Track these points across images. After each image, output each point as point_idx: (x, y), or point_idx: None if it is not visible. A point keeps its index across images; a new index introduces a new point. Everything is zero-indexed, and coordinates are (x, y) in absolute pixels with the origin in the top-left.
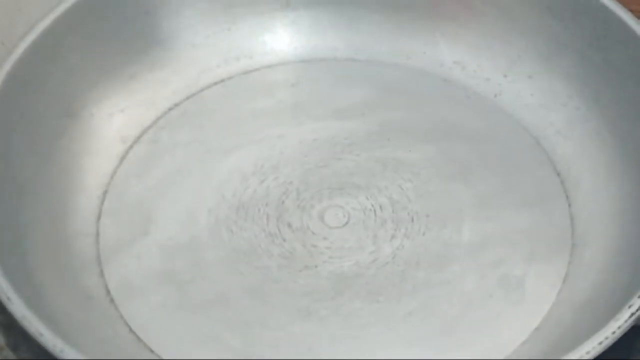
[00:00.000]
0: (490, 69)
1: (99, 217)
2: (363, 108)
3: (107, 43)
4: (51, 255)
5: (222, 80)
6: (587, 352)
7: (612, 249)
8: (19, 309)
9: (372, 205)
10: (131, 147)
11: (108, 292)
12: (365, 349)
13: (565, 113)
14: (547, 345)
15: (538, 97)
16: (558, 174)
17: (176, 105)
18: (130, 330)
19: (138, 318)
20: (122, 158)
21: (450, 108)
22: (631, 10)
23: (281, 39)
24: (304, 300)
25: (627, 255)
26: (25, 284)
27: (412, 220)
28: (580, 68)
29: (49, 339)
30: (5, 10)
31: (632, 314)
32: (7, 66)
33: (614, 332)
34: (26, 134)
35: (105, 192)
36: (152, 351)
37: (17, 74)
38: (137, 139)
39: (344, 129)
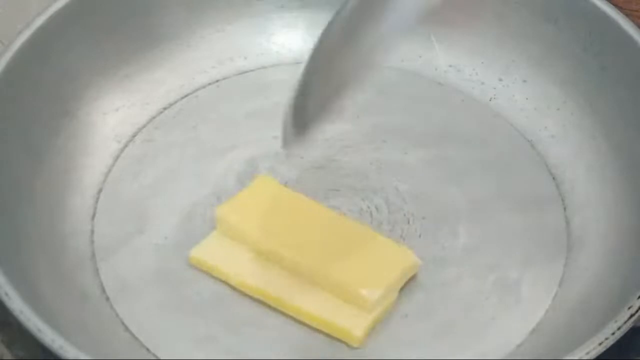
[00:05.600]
0: (485, 72)
1: (93, 216)
2: (358, 110)
3: (102, 42)
4: (46, 254)
5: (217, 81)
6: (587, 353)
7: (608, 251)
8: (18, 305)
9: (368, 207)
10: (126, 146)
11: (103, 290)
12: (360, 350)
13: (559, 117)
14: (543, 348)
15: (533, 101)
16: (553, 178)
17: (171, 105)
18: (126, 329)
19: (134, 317)
20: (117, 157)
21: (445, 111)
22: (631, 10)
23: (276, 40)
24: None
25: (622, 258)
26: (21, 283)
27: (408, 222)
28: (575, 72)
29: (48, 335)
30: (5, 9)
31: (632, 315)
32: (2, 64)
33: (613, 333)
34: (21, 133)
35: (100, 191)
36: (148, 350)
37: (11, 72)
38: (132, 138)
39: (339, 130)
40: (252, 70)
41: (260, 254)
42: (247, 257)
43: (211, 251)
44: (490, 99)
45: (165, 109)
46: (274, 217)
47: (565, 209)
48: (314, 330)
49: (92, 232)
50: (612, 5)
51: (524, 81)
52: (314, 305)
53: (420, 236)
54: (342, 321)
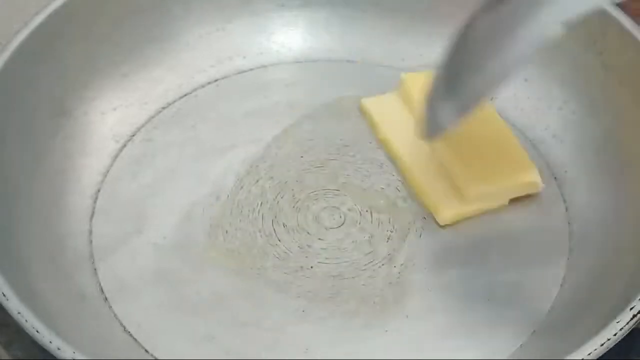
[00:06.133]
0: None
1: (92, 216)
2: (358, 109)
3: (100, 41)
4: (45, 254)
5: (216, 80)
6: (589, 354)
7: (609, 252)
8: (15, 306)
9: (369, 206)
10: (124, 145)
11: (102, 291)
12: (361, 351)
13: (561, 117)
14: (544, 348)
15: (534, 100)
16: (555, 178)
17: (169, 104)
18: (125, 329)
19: (132, 317)
20: (115, 157)
21: None
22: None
23: (276, 40)
24: (299, 301)
25: (624, 259)
26: (19, 283)
27: (409, 222)
28: (576, 72)
29: (45, 336)
30: (2, 8)
31: (634, 316)
32: None
33: (615, 334)
34: (19, 133)
35: (98, 191)
36: (146, 351)
37: (9, 72)
38: (130, 138)
39: (339, 129)
40: (251, 70)
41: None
42: (404, 119)
43: (380, 104)
44: (492, 98)
45: (163, 108)
46: None
47: (567, 209)
48: (313, 330)
49: (91, 232)
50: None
51: (525, 80)
52: (427, 174)
53: (420, 236)
54: (439, 197)
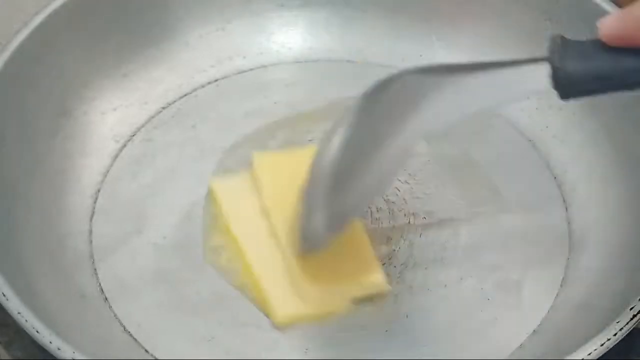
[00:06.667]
0: None
1: (92, 216)
2: None
3: (100, 41)
4: (45, 254)
5: (216, 80)
6: (589, 354)
7: (609, 252)
8: (15, 306)
9: (369, 207)
10: (124, 145)
11: (102, 291)
12: (361, 351)
13: (561, 117)
14: (544, 349)
15: (534, 101)
16: (554, 178)
17: (169, 104)
18: (125, 329)
19: (132, 317)
20: (115, 157)
21: None
22: None
23: (275, 40)
24: None
25: (624, 259)
26: (19, 283)
27: (409, 222)
28: None
29: (45, 336)
30: (2, 8)
31: (634, 316)
32: None
33: (615, 334)
34: (19, 133)
35: (98, 191)
36: (146, 351)
37: (9, 72)
38: (130, 138)
39: None
40: (251, 70)
41: (263, 210)
42: (251, 205)
43: (229, 187)
44: None
45: (164, 108)
46: (294, 184)
47: (566, 209)
48: (313, 330)
49: (91, 232)
50: (614, 5)
51: None
52: (265, 270)
53: (420, 236)
54: (275, 296)
